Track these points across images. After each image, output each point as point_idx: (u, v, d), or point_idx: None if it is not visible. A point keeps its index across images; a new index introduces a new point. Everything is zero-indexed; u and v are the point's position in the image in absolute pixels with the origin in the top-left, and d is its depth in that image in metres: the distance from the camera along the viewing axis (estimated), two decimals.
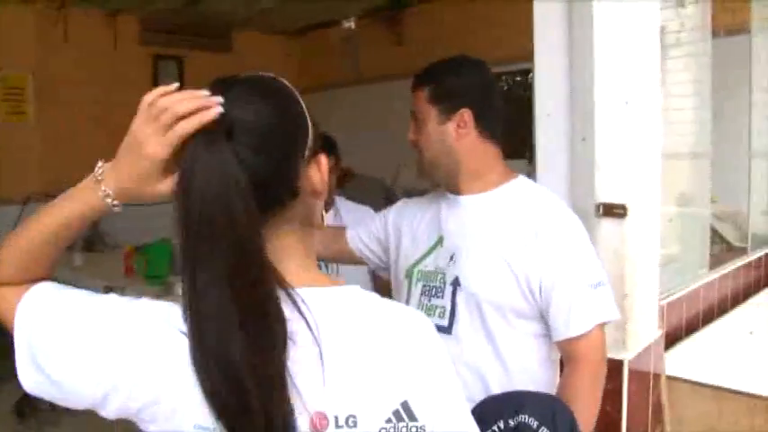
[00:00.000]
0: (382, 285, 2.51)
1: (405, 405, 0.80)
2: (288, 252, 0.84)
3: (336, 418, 0.78)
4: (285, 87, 0.88)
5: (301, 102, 0.87)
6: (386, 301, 0.88)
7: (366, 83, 6.76)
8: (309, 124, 0.86)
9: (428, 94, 1.56)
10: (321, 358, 0.78)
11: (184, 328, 0.76)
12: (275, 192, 0.81)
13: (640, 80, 1.99)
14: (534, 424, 1.28)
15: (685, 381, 2.23)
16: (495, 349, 1.51)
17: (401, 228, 1.76)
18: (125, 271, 3.99)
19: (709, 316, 2.94)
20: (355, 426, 0.78)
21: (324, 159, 0.87)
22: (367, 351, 0.81)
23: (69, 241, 0.89)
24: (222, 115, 0.78)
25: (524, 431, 1.28)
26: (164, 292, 3.28)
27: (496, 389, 1.48)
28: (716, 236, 3.66)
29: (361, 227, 1.89)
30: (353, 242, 1.88)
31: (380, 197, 6.02)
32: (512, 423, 1.29)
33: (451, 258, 1.56)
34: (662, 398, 2.19)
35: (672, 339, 2.58)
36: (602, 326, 1.51)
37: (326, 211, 2.46)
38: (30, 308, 0.84)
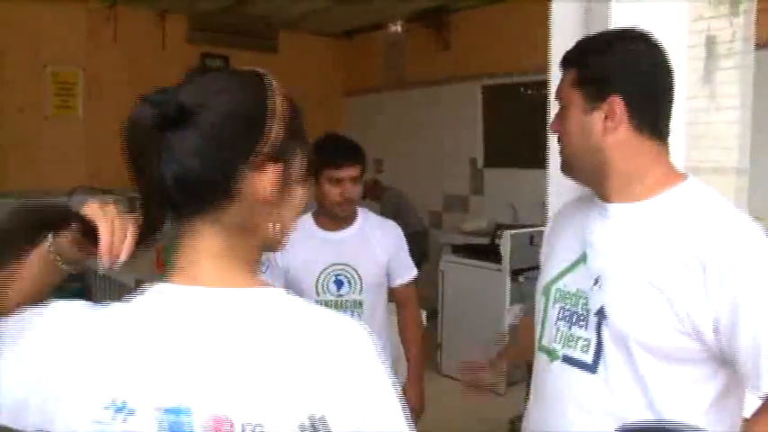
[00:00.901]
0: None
1: (321, 418, 0.75)
2: (209, 252, 0.82)
3: (243, 426, 0.74)
4: (257, 87, 0.84)
5: (270, 106, 0.82)
6: (315, 307, 0.83)
7: (410, 87, 6.73)
8: (272, 130, 0.82)
9: (574, 76, 1.30)
10: (220, 359, 0.76)
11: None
12: (204, 189, 0.79)
13: None
14: None
15: None
16: (649, 400, 1.22)
17: (550, 236, 1.54)
18: (157, 265, 4.07)
19: None
20: None
21: (274, 169, 0.82)
22: (279, 356, 0.76)
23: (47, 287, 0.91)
24: (171, 103, 0.77)
25: None
26: None
27: None
28: None
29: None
30: None
31: (408, 205, 5.98)
32: None
33: (596, 282, 1.29)
34: None
35: None
36: None
37: (349, 224, 2.36)
38: None
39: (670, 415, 1.20)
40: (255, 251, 0.87)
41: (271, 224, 0.85)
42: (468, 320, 4.68)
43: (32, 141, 5.54)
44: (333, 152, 2.26)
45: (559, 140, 1.36)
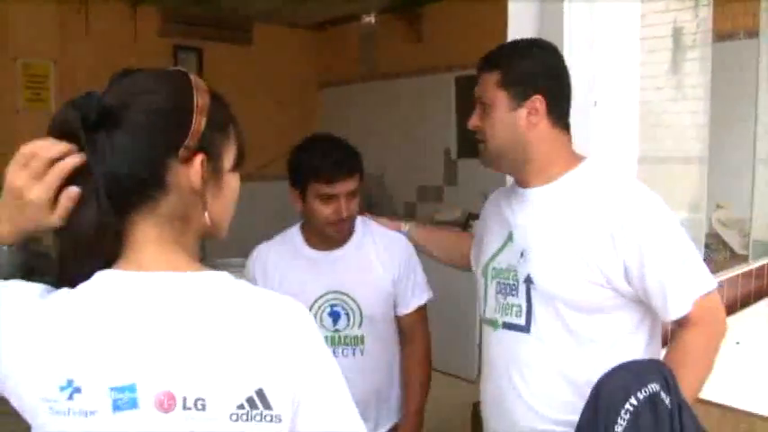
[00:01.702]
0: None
1: (259, 392, 0.81)
2: (147, 241, 0.87)
3: (185, 399, 0.79)
4: (179, 85, 0.89)
5: (194, 100, 0.88)
6: (258, 289, 0.89)
7: (384, 79, 6.76)
8: (196, 123, 0.87)
9: (498, 77, 1.47)
10: (163, 338, 0.81)
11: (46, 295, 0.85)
12: (134, 185, 0.85)
13: (613, 81, 1.96)
14: (658, 389, 1.26)
15: None
16: (580, 347, 1.45)
17: (481, 223, 1.75)
18: None
19: None
20: (204, 409, 0.79)
21: (198, 161, 0.87)
22: (220, 336, 0.82)
23: None
24: (94, 105, 0.83)
25: (657, 401, 1.25)
26: None
27: (585, 388, 1.37)
28: (720, 243, 3.59)
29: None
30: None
31: (382, 193, 6.02)
32: (641, 396, 1.26)
33: (522, 255, 1.51)
34: None
35: (664, 343, 2.53)
36: (710, 293, 1.44)
37: (348, 234, 1.96)
38: None
39: (601, 359, 1.40)
40: (194, 238, 0.92)
41: (204, 212, 0.90)
42: (442, 308, 4.74)
43: (3, 135, 5.50)
44: (323, 163, 1.82)
45: (480, 135, 1.52)
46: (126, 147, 0.83)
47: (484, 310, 1.63)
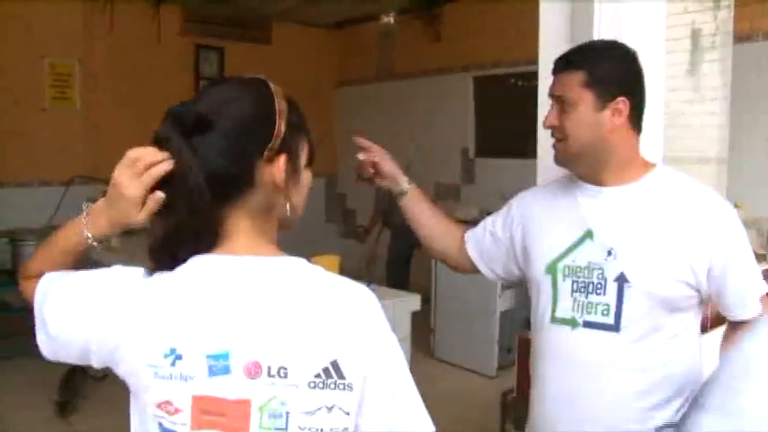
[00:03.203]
0: None
1: (334, 363, 0.91)
2: (239, 230, 0.97)
3: (269, 367, 0.90)
4: (262, 92, 0.99)
5: (275, 106, 0.98)
6: (331, 274, 0.99)
7: (401, 78, 6.82)
8: (277, 128, 0.97)
9: (584, 77, 1.47)
10: (252, 313, 0.91)
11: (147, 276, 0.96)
12: (230, 182, 0.96)
13: None
14: None
15: None
16: (659, 348, 1.50)
17: (530, 222, 1.69)
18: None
19: (717, 323, 2.92)
20: (286, 377, 0.90)
21: (282, 160, 0.98)
22: (301, 312, 0.92)
23: (81, 255, 1.09)
24: (191, 113, 0.94)
25: None
26: None
27: (665, 385, 1.49)
28: None
29: (479, 227, 1.82)
30: (469, 243, 1.81)
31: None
32: None
33: (609, 253, 1.51)
34: None
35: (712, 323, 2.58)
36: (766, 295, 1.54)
37: None
38: (40, 289, 1.03)
39: (675, 360, 1.49)
40: (275, 228, 1.03)
41: (285, 205, 1.01)
42: (461, 306, 4.81)
43: (30, 133, 5.62)
44: None
45: (558, 134, 1.53)
46: (220, 149, 0.94)
47: (553, 311, 1.59)
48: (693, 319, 1.55)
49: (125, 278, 0.98)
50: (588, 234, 1.54)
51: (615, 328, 1.49)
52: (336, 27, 7.54)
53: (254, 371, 0.90)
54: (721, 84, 3.39)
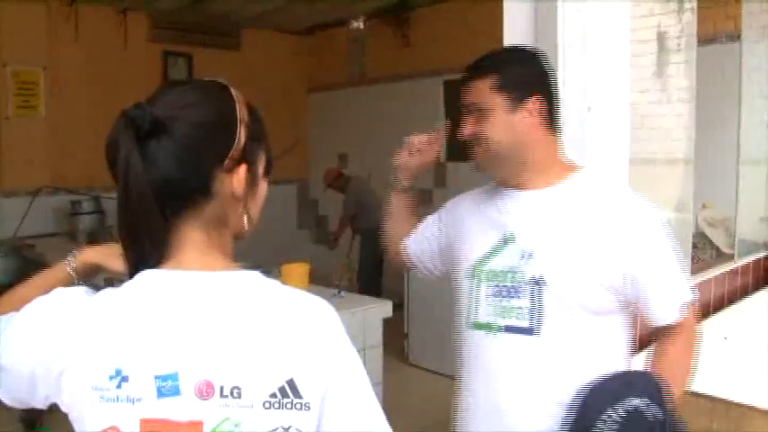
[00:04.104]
0: None
1: (290, 382, 0.87)
2: (191, 243, 0.93)
3: (222, 387, 0.86)
4: (223, 98, 0.95)
5: (237, 114, 0.94)
6: (288, 288, 0.94)
7: (372, 83, 6.82)
8: (238, 136, 0.93)
9: (493, 82, 1.47)
10: (203, 331, 0.87)
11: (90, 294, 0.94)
12: (184, 192, 0.91)
13: (605, 87, 2.02)
14: (644, 405, 1.30)
15: None
16: (585, 351, 1.47)
17: (457, 227, 1.69)
18: None
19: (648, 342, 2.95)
20: (239, 397, 0.85)
21: (242, 170, 0.93)
22: (255, 328, 0.88)
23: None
24: (146, 116, 0.88)
25: (639, 414, 1.30)
26: None
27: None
28: (706, 242, 3.67)
29: (415, 233, 1.83)
30: (410, 248, 1.83)
31: (369, 195, 6.07)
32: (621, 411, 1.30)
33: (528, 257, 1.48)
34: None
35: (646, 342, 2.60)
36: (690, 302, 1.51)
37: None
38: None
39: (601, 360, 1.45)
40: (229, 241, 0.98)
41: (242, 217, 0.96)
42: (433, 310, 4.80)
43: None
44: None
45: (474, 143, 1.52)
46: (176, 156, 0.89)
47: (470, 316, 1.58)
48: (620, 326, 1.52)
49: (66, 299, 0.94)
50: (509, 238, 1.53)
51: (532, 331, 1.46)
52: (307, 32, 7.52)
53: (205, 391, 0.85)
54: (687, 85, 3.44)
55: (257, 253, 4.30)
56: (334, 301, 1.84)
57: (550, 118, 1.51)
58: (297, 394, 0.86)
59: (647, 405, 1.31)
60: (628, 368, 1.52)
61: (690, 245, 3.25)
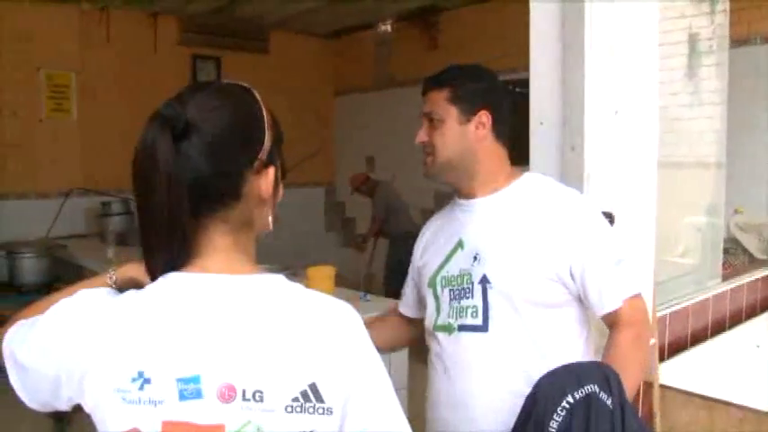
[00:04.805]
0: None
1: (313, 387, 0.86)
2: (216, 246, 0.93)
3: (244, 391, 0.86)
4: (250, 101, 0.96)
5: (264, 117, 0.95)
6: (311, 291, 0.95)
7: (399, 86, 6.81)
8: (266, 138, 0.94)
9: (448, 94, 1.60)
10: (226, 334, 0.87)
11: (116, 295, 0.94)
12: (215, 192, 0.91)
13: (633, 89, 2.00)
14: (597, 390, 1.34)
15: (678, 390, 2.22)
16: (534, 342, 1.55)
17: (425, 245, 1.79)
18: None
19: (719, 327, 2.91)
20: (261, 401, 0.85)
21: (271, 172, 0.95)
22: (278, 332, 0.88)
23: None
24: (181, 117, 0.88)
25: (593, 400, 1.34)
26: None
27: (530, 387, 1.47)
28: (738, 247, 3.61)
29: (404, 291, 1.89)
30: (405, 309, 1.89)
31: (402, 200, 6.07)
32: (578, 396, 1.34)
33: (475, 258, 1.59)
34: (654, 405, 2.19)
35: (675, 349, 2.57)
36: (637, 295, 1.58)
37: None
38: (8, 334, 0.99)
39: (553, 353, 1.53)
40: (253, 242, 0.99)
41: (267, 217, 0.98)
42: None
43: (28, 144, 5.59)
44: None
45: (427, 149, 1.63)
46: (208, 157, 0.89)
47: (435, 320, 1.67)
48: (575, 318, 1.60)
49: (89, 301, 0.95)
50: (459, 244, 1.65)
51: (484, 328, 1.56)
52: (334, 35, 7.53)
53: (227, 394, 0.85)
54: (719, 88, 3.39)
55: (284, 255, 4.32)
56: (360, 305, 1.88)
57: (499, 130, 1.62)
58: (319, 398, 0.86)
59: (599, 393, 1.34)
60: (589, 359, 1.59)
61: (720, 250, 3.20)
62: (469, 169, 1.62)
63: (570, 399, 1.34)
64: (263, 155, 0.93)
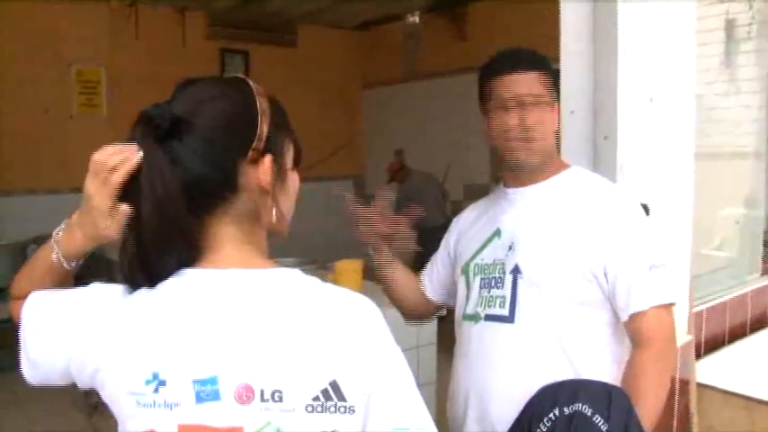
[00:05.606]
0: None
1: (334, 384, 0.82)
2: (225, 240, 0.90)
3: (262, 391, 0.82)
4: (241, 91, 0.92)
5: (257, 104, 0.91)
6: (329, 286, 0.90)
7: (428, 78, 6.76)
8: (260, 127, 0.90)
9: (542, 77, 1.50)
10: (242, 332, 0.83)
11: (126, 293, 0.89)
12: (211, 188, 0.88)
13: (668, 77, 1.93)
14: (588, 412, 1.28)
15: (717, 389, 2.15)
16: (560, 339, 1.47)
17: (461, 233, 1.72)
18: None
19: (758, 323, 2.82)
20: (281, 401, 0.81)
21: (267, 161, 0.90)
22: (296, 329, 0.84)
23: (68, 273, 0.99)
24: (165, 115, 0.85)
25: (578, 419, 1.28)
26: None
27: (559, 379, 1.41)
28: None
29: (427, 279, 1.81)
30: (428, 288, 1.80)
31: (436, 193, 6.01)
32: (567, 411, 1.29)
33: (510, 248, 1.53)
34: (690, 405, 2.12)
35: (711, 346, 2.49)
36: (666, 308, 1.47)
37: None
38: (24, 314, 0.96)
39: (578, 353, 1.46)
40: (263, 236, 0.95)
41: (271, 210, 0.93)
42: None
43: (60, 140, 5.67)
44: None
45: (524, 136, 1.49)
46: (199, 152, 0.86)
47: (464, 310, 1.61)
48: (605, 322, 1.50)
49: (102, 297, 0.91)
50: (497, 233, 1.58)
51: (510, 319, 1.50)
52: (361, 28, 7.51)
53: (245, 395, 0.82)
54: (757, 76, 3.28)
55: (312, 249, 4.31)
56: (386, 298, 1.84)
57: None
58: (340, 397, 0.82)
59: (591, 415, 1.28)
60: (615, 367, 1.50)
61: (761, 243, 3.11)
62: (552, 157, 1.55)
63: (557, 412, 1.30)
64: (258, 144, 0.89)
